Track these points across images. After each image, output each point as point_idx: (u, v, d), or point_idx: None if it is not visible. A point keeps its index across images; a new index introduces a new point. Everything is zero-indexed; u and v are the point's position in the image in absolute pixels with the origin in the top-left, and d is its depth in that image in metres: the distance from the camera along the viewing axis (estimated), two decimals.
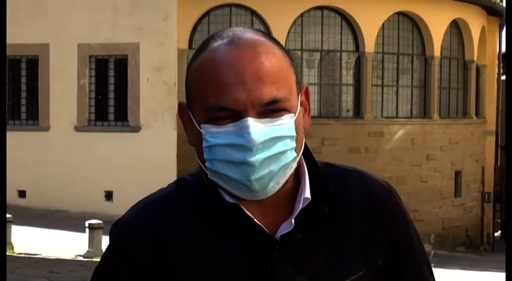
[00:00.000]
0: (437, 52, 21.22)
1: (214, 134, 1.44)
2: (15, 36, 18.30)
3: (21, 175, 18.14)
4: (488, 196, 24.31)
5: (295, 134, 1.46)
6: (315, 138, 19.03)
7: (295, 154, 1.47)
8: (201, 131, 1.46)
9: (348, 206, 1.57)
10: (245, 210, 1.48)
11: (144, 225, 1.51)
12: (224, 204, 1.49)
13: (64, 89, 18.40)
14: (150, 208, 1.54)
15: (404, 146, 20.35)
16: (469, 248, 22.26)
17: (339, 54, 19.99)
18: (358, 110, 20.11)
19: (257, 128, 1.42)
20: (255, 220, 1.48)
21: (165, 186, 1.61)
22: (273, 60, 1.46)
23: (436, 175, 21.15)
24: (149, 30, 17.90)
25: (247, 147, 1.42)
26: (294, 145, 1.46)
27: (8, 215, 12.77)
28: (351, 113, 20.24)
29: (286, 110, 1.45)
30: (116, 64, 18.47)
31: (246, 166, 1.42)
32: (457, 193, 22.08)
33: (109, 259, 1.54)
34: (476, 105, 23.51)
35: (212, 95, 1.44)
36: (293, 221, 1.49)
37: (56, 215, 17.36)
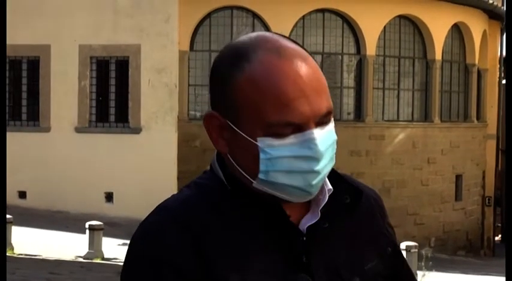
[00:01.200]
0: (438, 56, 21.21)
1: (275, 146, 1.47)
2: (16, 37, 18.31)
3: (22, 175, 18.14)
4: (488, 199, 24.29)
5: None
6: None
7: None
8: (257, 144, 1.48)
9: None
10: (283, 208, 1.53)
11: (182, 226, 1.49)
12: (252, 200, 1.52)
13: (65, 90, 18.41)
14: (177, 210, 1.52)
15: (405, 150, 20.33)
16: (469, 252, 22.24)
17: (340, 57, 19.99)
18: (359, 113, 20.10)
19: (321, 139, 1.48)
20: (288, 214, 1.52)
21: (178, 192, 1.61)
22: (319, 72, 1.52)
23: (437, 178, 21.13)
24: (150, 32, 17.91)
25: (314, 158, 1.47)
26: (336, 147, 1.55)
27: (8, 216, 12.77)
28: (351, 116, 20.23)
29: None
30: (117, 65, 18.48)
31: (311, 174, 1.48)
32: (458, 196, 22.06)
33: (153, 270, 1.47)
34: (478, 109, 23.50)
35: (276, 111, 1.46)
36: (319, 211, 1.55)
37: (56, 216, 17.36)
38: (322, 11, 19.64)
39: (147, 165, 17.59)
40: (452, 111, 22.42)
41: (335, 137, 1.53)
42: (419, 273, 12.61)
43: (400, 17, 20.59)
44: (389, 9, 20.15)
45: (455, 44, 22.28)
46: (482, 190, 23.84)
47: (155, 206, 1.58)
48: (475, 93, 23.08)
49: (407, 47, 20.99)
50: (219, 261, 1.46)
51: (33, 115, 18.92)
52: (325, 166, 1.49)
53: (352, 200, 1.60)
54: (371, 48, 19.90)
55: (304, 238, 1.53)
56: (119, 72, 18.47)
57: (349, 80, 20.21)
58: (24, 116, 19.04)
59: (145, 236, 1.51)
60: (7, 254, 12.33)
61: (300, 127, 1.47)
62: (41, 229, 15.40)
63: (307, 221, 1.55)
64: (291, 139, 1.47)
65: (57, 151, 18.27)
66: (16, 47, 18.49)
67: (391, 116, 20.74)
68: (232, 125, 1.51)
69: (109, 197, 18.13)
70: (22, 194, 18.52)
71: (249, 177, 1.51)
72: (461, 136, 22.04)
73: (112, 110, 18.58)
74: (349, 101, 20.17)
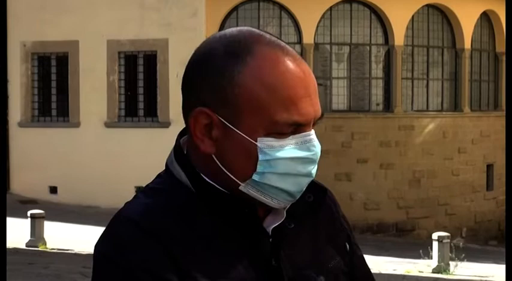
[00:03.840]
0: (467, 44, 21.04)
1: (275, 147, 1.41)
2: (44, 33, 18.45)
3: (53, 171, 18.30)
4: None
5: None
6: (345, 132, 18.96)
7: None
8: (257, 144, 1.41)
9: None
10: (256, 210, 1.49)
11: (152, 237, 1.43)
12: (220, 203, 1.46)
13: (94, 86, 18.51)
14: (143, 221, 1.46)
15: (435, 140, 20.21)
16: (501, 242, 22.06)
17: (368, 47, 19.89)
18: (388, 103, 20.00)
19: (317, 141, 1.45)
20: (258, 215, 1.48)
21: (134, 198, 1.54)
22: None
23: (468, 168, 20.99)
24: (178, 26, 17.94)
25: (312, 160, 1.44)
26: None
27: (40, 211, 12.96)
28: (380, 107, 20.13)
29: None
30: (145, 60, 18.55)
31: (305, 177, 1.45)
32: (489, 186, 21.89)
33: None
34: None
35: (284, 109, 1.40)
36: (284, 212, 1.51)
37: (87, 210, 17.49)
38: (350, 1, 19.55)
39: None
40: (482, 100, 22.23)
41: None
42: (452, 263, 12.55)
43: (428, 6, 20.44)
44: None
45: (484, 33, 22.08)
46: None
47: (114, 215, 1.52)
48: (505, 82, 22.88)
49: (435, 36, 20.84)
50: (192, 270, 1.41)
51: (63, 111, 19.06)
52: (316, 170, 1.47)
53: (315, 199, 1.56)
54: (399, 38, 19.77)
55: (271, 240, 1.48)
56: (147, 67, 18.54)
57: (377, 70, 20.11)
58: (54, 112, 19.19)
59: (120, 248, 1.45)
60: (40, 249, 12.48)
61: (297, 128, 1.43)
62: (73, 224, 15.53)
63: (271, 222, 1.50)
64: (290, 140, 1.42)
65: (87, 146, 18.40)
66: (45, 43, 18.64)
67: (420, 106, 20.61)
68: (227, 123, 1.42)
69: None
70: (53, 189, 18.67)
71: (237, 180, 1.44)
72: (492, 125, 21.86)
73: (141, 105, 18.67)
74: (377, 91, 20.07)
